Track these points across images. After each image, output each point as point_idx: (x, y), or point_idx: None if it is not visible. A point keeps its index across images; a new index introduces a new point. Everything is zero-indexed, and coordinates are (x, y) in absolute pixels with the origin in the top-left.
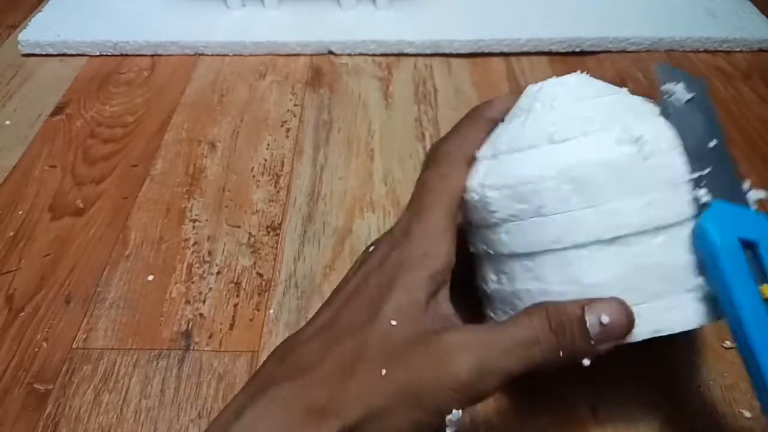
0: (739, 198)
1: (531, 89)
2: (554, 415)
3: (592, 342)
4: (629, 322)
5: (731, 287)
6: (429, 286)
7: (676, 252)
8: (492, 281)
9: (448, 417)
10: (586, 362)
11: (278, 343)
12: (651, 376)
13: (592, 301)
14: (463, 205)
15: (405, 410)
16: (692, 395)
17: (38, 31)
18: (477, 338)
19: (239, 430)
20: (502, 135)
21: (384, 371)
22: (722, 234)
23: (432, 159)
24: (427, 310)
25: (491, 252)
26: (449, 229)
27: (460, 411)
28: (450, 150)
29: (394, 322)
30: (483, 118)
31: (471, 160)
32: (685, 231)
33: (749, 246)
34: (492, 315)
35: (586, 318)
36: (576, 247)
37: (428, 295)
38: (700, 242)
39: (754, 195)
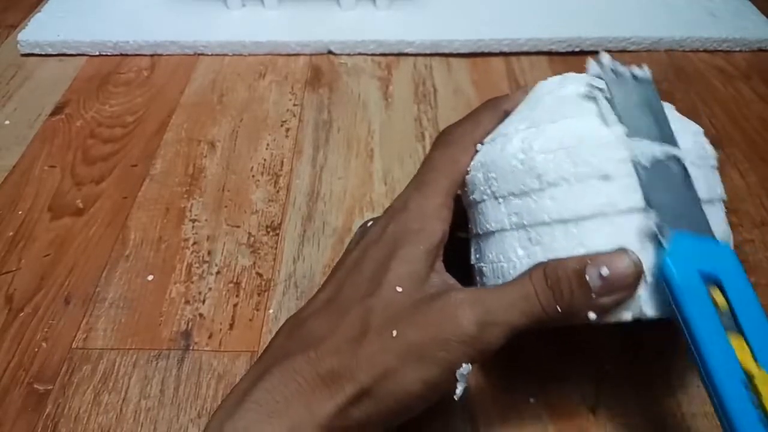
0: (696, 211)
1: (548, 83)
2: (554, 415)
3: (593, 295)
4: (635, 273)
5: (693, 326)
6: (427, 260)
7: None
8: (519, 256)
9: (459, 371)
10: (592, 316)
11: None
12: (651, 376)
13: (595, 256)
14: (466, 186)
15: (415, 368)
16: (692, 395)
17: (38, 31)
18: (480, 295)
19: (255, 399)
20: (535, 111)
21: (395, 332)
22: (683, 270)
23: (441, 140)
24: (428, 279)
25: (525, 222)
26: (446, 207)
27: (470, 365)
28: (460, 134)
29: (399, 289)
30: (499, 109)
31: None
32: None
33: (713, 280)
34: None
35: (586, 272)
36: (631, 211)
37: (427, 267)
38: (661, 277)
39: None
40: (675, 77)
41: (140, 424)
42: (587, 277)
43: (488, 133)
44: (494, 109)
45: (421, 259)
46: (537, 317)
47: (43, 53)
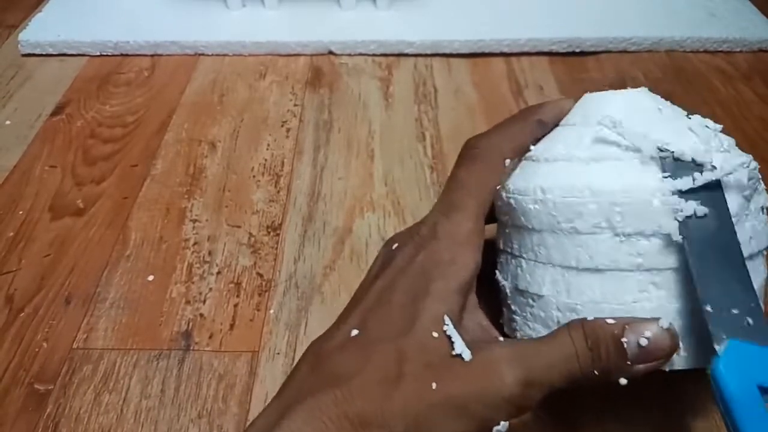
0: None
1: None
2: (554, 414)
3: (629, 362)
4: (671, 345)
5: None
6: (460, 297)
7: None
8: (638, 299)
9: (496, 428)
10: (623, 381)
11: (279, 343)
12: (651, 377)
13: (633, 321)
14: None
15: (452, 421)
16: (692, 395)
17: (38, 31)
18: (521, 352)
19: None
20: (646, 136)
21: (434, 385)
22: (739, 382)
23: (467, 154)
24: (463, 321)
25: (653, 266)
26: (478, 233)
27: (507, 422)
28: (489, 148)
29: (435, 334)
30: (531, 120)
31: (515, 158)
32: None
33: None
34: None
35: (625, 338)
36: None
37: (461, 305)
38: (714, 387)
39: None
40: (675, 78)
41: (141, 425)
42: (625, 344)
43: (520, 147)
44: (525, 121)
45: (454, 298)
46: (575, 378)
47: (43, 53)
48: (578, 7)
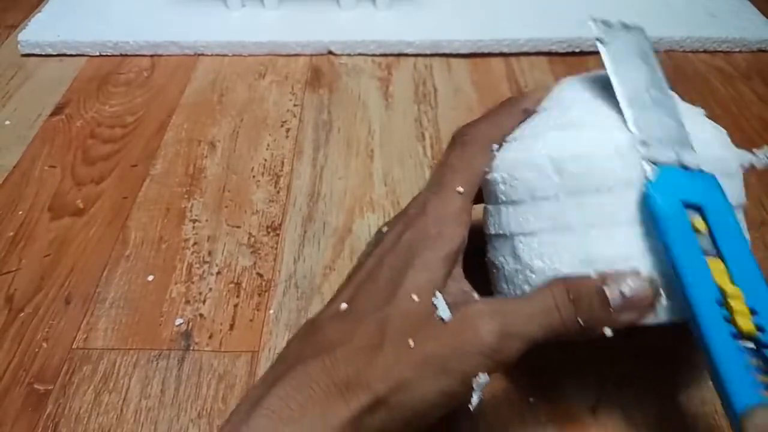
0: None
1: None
2: (555, 414)
3: (612, 310)
4: (653, 295)
5: (672, 250)
6: (444, 267)
7: None
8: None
9: (476, 381)
10: (608, 332)
11: (279, 344)
12: (651, 376)
13: (614, 273)
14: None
15: (432, 379)
16: (692, 395)
17: (38, 31)
18: (499, 307)
19: (268, 405)
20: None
21: (412, 343)
22: (666, 200)
23: (457, 141)
24: (446, 288)
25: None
26: (465, 211)
27: (487, 376)
28: (478, 134)
29: (415, 298)
30: (518, 108)
31: (501, 144)
32: None
33: (696, 208)
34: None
35: (607, 289)
36: None
37: (444, 274)
38: (645, 208)
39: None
40: (674, 77)
41: (141, 425)
42: (608, 295)
43: (507, 134)
44: (512, 109)
45: (438, 267)
46: (556, 330)
47: (43, 53)
48: (578, 7)
